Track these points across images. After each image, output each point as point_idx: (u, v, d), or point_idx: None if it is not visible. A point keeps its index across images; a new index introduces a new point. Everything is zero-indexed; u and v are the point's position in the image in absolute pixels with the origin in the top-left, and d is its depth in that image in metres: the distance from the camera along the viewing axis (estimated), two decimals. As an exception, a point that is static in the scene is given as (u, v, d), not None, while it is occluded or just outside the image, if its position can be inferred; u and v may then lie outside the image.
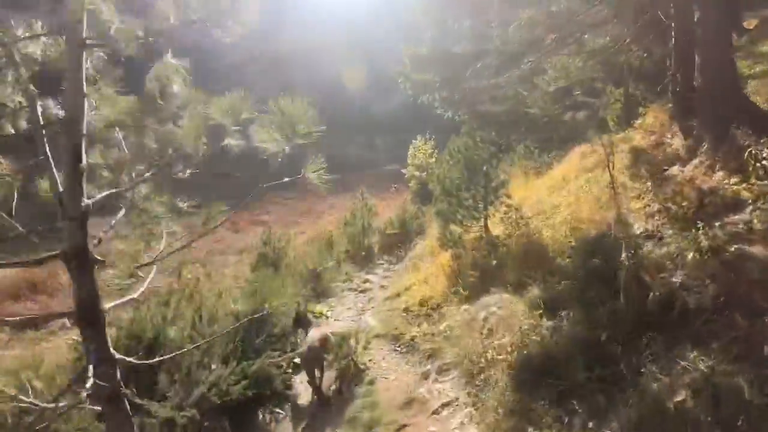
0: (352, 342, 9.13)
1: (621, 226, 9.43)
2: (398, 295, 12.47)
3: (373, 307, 12.68)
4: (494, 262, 10.86)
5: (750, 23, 16.51)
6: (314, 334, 9.41)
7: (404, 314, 11.03)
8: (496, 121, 11.96)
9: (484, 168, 11.99)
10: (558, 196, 12.91)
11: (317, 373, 8.98)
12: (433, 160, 27.96)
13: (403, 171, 31.18)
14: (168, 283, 18.64)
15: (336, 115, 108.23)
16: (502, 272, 10.46)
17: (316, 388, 8.97)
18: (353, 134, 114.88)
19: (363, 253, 18.50)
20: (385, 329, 10.62)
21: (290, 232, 27.04)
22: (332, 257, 17.23)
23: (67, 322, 16.39)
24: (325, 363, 9.12)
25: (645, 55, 17.24)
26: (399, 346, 9.81)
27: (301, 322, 10.86)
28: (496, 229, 12.29)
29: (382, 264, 17.76)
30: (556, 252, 9.89)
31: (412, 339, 9.61)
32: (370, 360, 9.46)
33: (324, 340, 9.23)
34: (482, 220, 12.21)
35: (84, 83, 4.45)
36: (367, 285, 14.98)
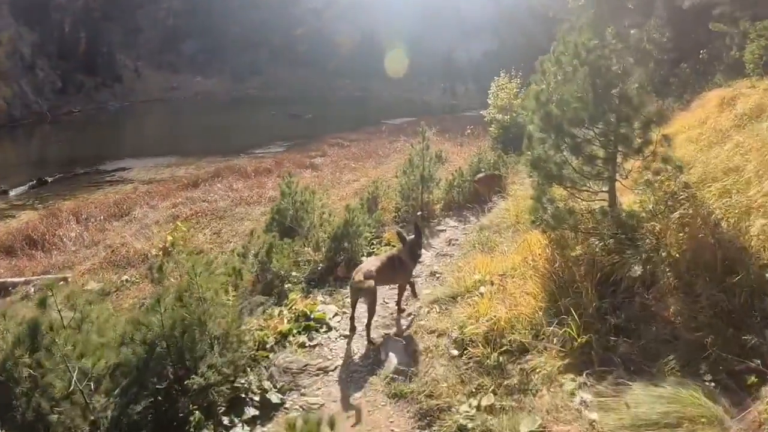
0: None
1: None
2: (454, 299, 7.31)
3: (411, 317, 7.61)
4: (638, 269, 5.58)
5: None
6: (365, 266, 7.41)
7: (456, 352, 5.90)
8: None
9: (619, 87, 6.49)
10: (720, 154, 7.81)
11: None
12: (519, 101, 23.44)
13: (483, 113, 25.80)
14: (151, 245, 14.62)
15: (418, 61, 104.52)
16: (656, 297, 5.19)
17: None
18: (435, 81, 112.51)
19: (419, 212, 13.46)
20: (415, 384, 5.57)
21: (342, 178, 22.59)
22: (373, 218, 12.27)
23: (32, 290, 13.07)
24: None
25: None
26: (432, 437, 4.76)
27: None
28: (628, 200, 6.99)
29: (443, 231, 12.64)
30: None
31: (461, 430, 4.55)
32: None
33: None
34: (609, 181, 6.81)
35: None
36: (413, 269, 10.00)
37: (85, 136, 54.85)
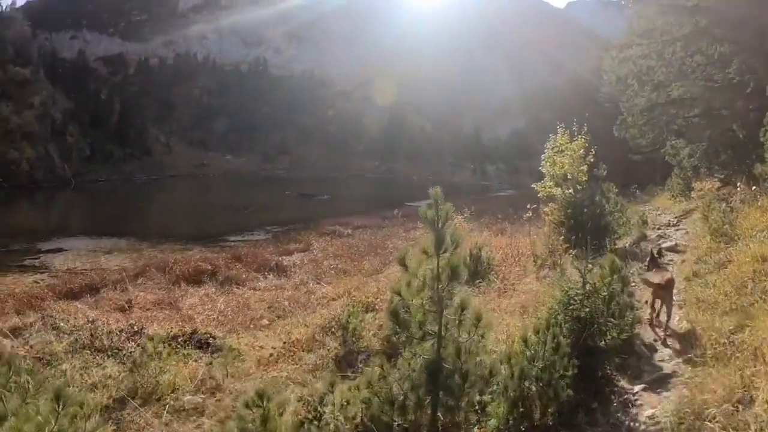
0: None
1: None
2: None
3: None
4: None
5: None
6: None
7: None
8: None
9: None
10: None
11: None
12: (585, 167, 14.51)
13: (535, 186, 15.74)
14: None
15: (446, 142, 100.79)
16: None
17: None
18: (463, 161, 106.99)
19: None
20: None
21: (316, 292, 13.28)
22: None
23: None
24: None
25: None
26: None
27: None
28: None
29: None
30: None
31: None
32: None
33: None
34: None
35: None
36: None
37: (77, 206, 50.41)
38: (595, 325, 5.92)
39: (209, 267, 15.65)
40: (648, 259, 9.93)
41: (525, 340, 4.89)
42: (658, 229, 17.52)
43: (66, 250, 23.56)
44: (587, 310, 5.87)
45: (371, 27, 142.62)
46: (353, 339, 7.95)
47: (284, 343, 8.89)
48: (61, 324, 10.61)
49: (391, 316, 4.06)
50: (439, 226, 4.08)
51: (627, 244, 14.71)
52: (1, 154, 59.00)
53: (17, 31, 77.25)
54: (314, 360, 7.93)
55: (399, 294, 4.12)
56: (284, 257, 17.91)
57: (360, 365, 7.30)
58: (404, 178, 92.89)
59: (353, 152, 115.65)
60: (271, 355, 8.39)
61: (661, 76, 22.15)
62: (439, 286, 3.94)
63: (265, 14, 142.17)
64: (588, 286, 6.16)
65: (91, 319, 10.60)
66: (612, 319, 6.13)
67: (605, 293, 6.20)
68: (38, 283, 16.41)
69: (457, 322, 4.00)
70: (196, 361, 8.20)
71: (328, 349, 8.23)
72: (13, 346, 9.58)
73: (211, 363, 7.83)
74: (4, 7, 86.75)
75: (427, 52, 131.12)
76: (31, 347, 9.43)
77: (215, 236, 26.83)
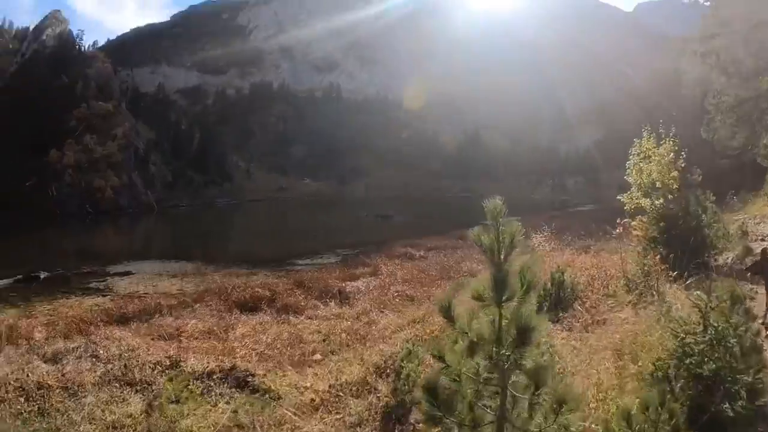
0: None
1: None
2: None
3: None
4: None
5: None
6: None
7: None
8: None
9: None
10: None
11: None
12: (676, 174, 12.54)
13: (621, 198, 13.82)
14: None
15: (523, 157, 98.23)
16: None
17: None
18: (542, 177, 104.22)
19: None
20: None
21: (378, 323, 12.09)
22: None
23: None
24: None
25: None
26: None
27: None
28: None
29: None
30: None
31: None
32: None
33: None
34: None
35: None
36: None
37: (156, 231, 52.28)
38: (722, 387, 4.37)
39: (267, 293, 14.81)
40: (760, 258, 8.84)
41: (627, 419, 3.41)
42: (762, 240, 15.31)
43: (133, 273, 23.63)
44: (713, 366, 4.31)
45: (440, 46, 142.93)
46: (406, 387, 6.60)
47: (331, 385, 7.73)
48: (101, 352, 10.04)
49: (428, 393, 2.74)
50: (501, 257, 2.76)
51: (729, 260, 12.69)
52: (87, 183, 61.70)
53: (99, 69, 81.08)
54: (360, 410, 6.70)
55: (441, 358, 2.80)
56: (348, 282, 16.87)
57: (412, 421, 6.01)
58: (481, 197, 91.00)
59: (429, 172, 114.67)
60: (312, 400, 7.24)
61: (749, 67, 19.97)
62: (501, 351, 2.60)
63: (333, 35, 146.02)
64: (711, 331, 4.60)
65: (129, 348, 9.94)
66: (744, 376, 4.53)
67: (733, 340, 4.60)
68: (97, 306, 16.10)
69: (528, 403, 2.64)
70: (227, 402, 7.18)
71: (379, 397, 7.01)
72: (48, 372, 9.08)
73: (236, 411, 6.72)
74: (86, 47, 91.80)
75: (498, 67, 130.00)
76: (63, 375, 8.95)
77: (284, 260, 26.27)
